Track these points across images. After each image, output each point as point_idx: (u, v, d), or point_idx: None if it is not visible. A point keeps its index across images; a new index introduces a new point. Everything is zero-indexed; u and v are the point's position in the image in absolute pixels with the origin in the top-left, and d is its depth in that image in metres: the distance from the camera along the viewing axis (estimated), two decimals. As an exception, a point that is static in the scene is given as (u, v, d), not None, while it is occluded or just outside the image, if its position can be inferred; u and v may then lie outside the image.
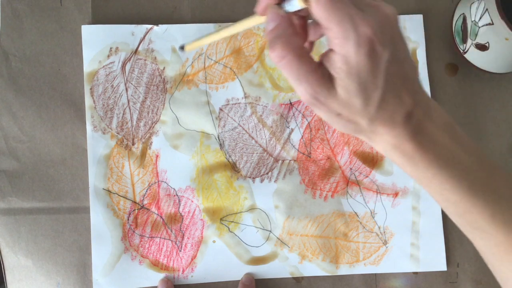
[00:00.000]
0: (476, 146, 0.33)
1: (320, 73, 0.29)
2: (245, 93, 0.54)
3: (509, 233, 0.32)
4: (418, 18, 0.56)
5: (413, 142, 0.31)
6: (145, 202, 0.53)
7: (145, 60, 0.54)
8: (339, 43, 0.28)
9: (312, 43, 0.34)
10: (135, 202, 0.53)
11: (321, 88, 0.29)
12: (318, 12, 0.28)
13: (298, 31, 0.31)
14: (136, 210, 0.53)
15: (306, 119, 0.54)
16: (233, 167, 0.54)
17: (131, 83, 0.54)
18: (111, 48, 0.54)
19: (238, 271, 0.53)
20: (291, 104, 0.54)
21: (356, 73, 0.28)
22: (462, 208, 0.33)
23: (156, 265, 0.52)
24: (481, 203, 0.32)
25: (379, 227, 0.54)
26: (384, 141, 0.32)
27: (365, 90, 0.29)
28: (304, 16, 0.33)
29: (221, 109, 0.54)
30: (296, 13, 0.31)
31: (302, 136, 0.54)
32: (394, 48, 0.29)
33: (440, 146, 0.32)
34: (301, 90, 0.30)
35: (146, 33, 0.54)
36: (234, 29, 0.35)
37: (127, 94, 0.54)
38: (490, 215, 0.32)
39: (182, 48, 0.46)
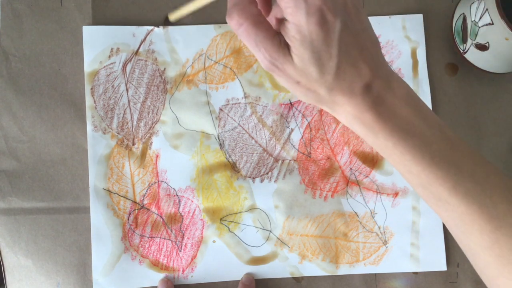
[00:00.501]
0: (438, 119, 0.34)
1: (277, 40, 0.30)
2: (245, 93, 0.54)
3: (471, 204, 0.33)
4: (418, 18, 0.56)
5: (373, 112, 0.32)
6: (145, 202, 0.53)
7: (146, 61, 0.54)
8: (291, 12, 0.29)
9: (280, 20, 0.35)
10: (135, 202, 0.53)
11: (278, 54, 0.30)
12: None
13: (254, 0, 0.32)
14: (136, 210, 0.53)
15: (306, 119, 0.54)
16: (233, 167, 0.54)
17: (132, 84, 0.54)
18: (112, 48, 0.54)
19: (238, 271, 0.53)
20: (291, 104, 0.54)
21: (309, 41, 0.29)
22: (425, 179, 0.33)
23: (156, 265, 0.52)
24: (442, 174, 0.33)
25: (379, 227, 0.53)
26: (344, 111, 0.32)
27: (319, 58, 0.30)
28: None
29: (221, 109, 0.54)
30: None
31: (302, 136, 0.54)
32: (348, 18, 0.30)
33: (400, 117, 0.32)
34: (259, 56, 0.31)
35: (147, 34, 0.54)
36: None
37: (127, 94, 0.54)
38: (451, 186, 0.33)
39: (167, 21, 0.45)
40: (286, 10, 0.29)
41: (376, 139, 0.33)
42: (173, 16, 0.44)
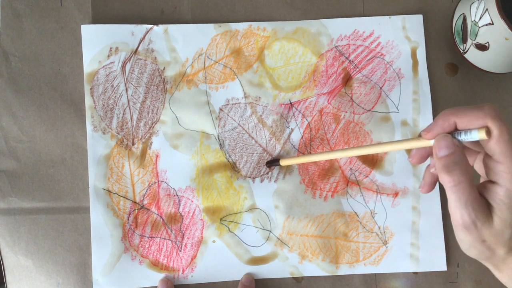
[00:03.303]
0: None
1: (483, 202, 0.33)
2: (245, 93, 0.54)
3: None
4: (418, 18, 0.55)
5: None
6: (145, 202, 0.53)
7: (145, 60, 0.54)
8: (508, 178, 0.32)
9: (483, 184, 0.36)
10: (135, 202, 0.53)
11: (481, 215, 0.32)
12: (497, 146, 0.31)
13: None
14: (136, 210, 0.53)
15: (306, 119, 0.54)
16: (233, 167, 0.54)
17: (131, 83, 0.54)
18: (111, 48, 0.54)
19: (238, 271, 0.53)
20: (291, 104, 0.54)
21: None
22: None
23: (156, 265, 0.52)
24: None
25: (379, 227, 0.53)
26: (510, 269, 0.35)
27: None
28: None
29: (221, 109, 0.54)
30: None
31: (302, 136, 0.54)
32: None
33: None
34: (463, 213, 0.33)
35: (146, 33, 0.54)
36: (387, 148, 0.39)
37: (127, 94, 0.54)
38: None
39: (274, 161, 0.53)
40: (502, 175, 0.32)
41: None
42: (284, 162, 0.51)
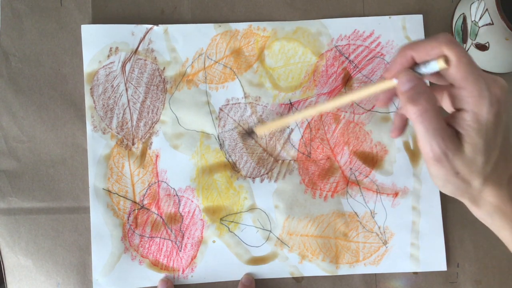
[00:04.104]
0: None
1: (451, 130, 0.32)
2: (245, 93, 0.54)
3: None
4: (418, 18, 0.55)
5: None
6: (145, 202, 0.53)
7: (145, 60, 0.54)
8: (473, 102, 0.31)
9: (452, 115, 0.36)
10: (135, 202, 0.53)
11: (452, 144, 0.32)
12: (458, 72, 0.31)
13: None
14: (136, 210, 0.53)
15: (306, 119, 0.54)
16: (233, 167, 0.54)
17: (131, 83, 0.54)
18: (111, 48, 0.54)
19: (238, 271, 0.53)
20: (291, 104, 0.54)
21: (484, 130, 0.31)
22: None
23: (156, 265, 0.52)
24: None
25: (379, 227, 0.53)
26: (486, 202, 0.34)
27: (488, 148, 0.31)
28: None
29: (221, 109, 0.54)
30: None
31: (302, 136, 0.54)
32: (507, 114, 0.32)
33: None
34: (433, 144, 0.32)
35: (146, 33, 0.54)
36: (357, 95, 0.39)
37: (127, 94, 0.54)
38: None
39: (250, 132, 0.53)
40: (467, 99, 0.31)
41: None
42: (259, 130, 0.52)
